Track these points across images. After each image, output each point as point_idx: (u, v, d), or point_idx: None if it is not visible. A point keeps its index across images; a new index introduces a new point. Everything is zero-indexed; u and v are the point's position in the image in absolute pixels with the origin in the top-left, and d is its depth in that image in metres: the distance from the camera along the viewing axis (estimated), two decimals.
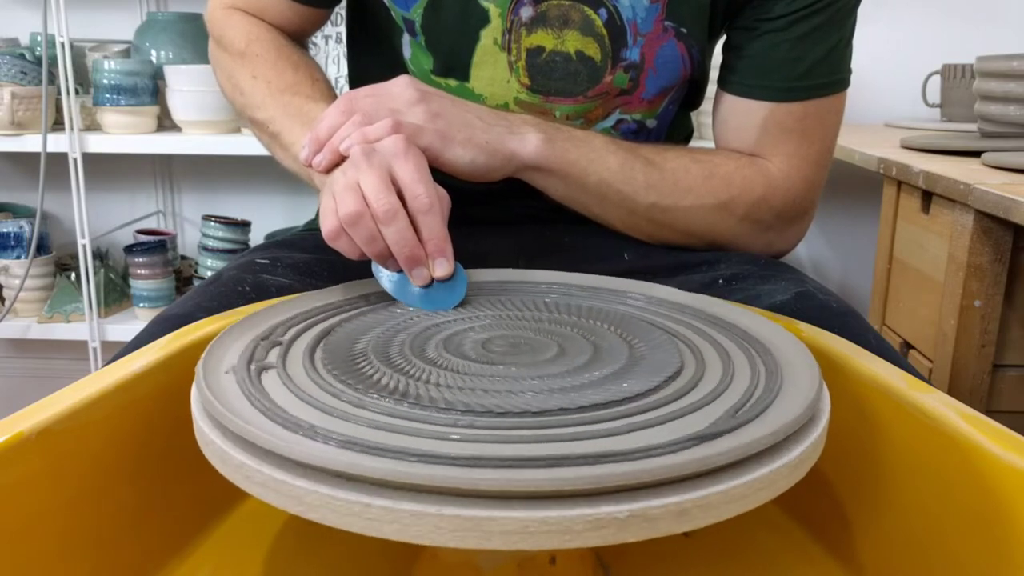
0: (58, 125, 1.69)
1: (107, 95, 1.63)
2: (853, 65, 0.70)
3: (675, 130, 0.78)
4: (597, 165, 0.65)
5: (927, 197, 1.06)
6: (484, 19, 0.68)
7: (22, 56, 1.65)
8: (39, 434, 0.39)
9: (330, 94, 0.71)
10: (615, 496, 0.32)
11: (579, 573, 0.44)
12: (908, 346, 1.13)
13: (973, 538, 0.39)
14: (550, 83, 0.69)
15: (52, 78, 1.66)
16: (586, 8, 0.67)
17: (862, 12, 0.69)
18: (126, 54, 1.78)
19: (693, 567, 0.49)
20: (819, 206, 0.73)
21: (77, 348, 1.84)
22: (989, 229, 0.94)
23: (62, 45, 1.58)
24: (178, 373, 0.46)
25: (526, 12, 0.67)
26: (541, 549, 0.31)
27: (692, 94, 0.77)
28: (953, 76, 1.51)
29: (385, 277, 0.54)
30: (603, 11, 0.67)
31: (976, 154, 1.09)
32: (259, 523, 0.51)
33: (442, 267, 0.52)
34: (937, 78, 1.57)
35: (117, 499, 0.44)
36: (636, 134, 0.74)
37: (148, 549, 0.46)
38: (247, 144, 1.62)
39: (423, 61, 0.72)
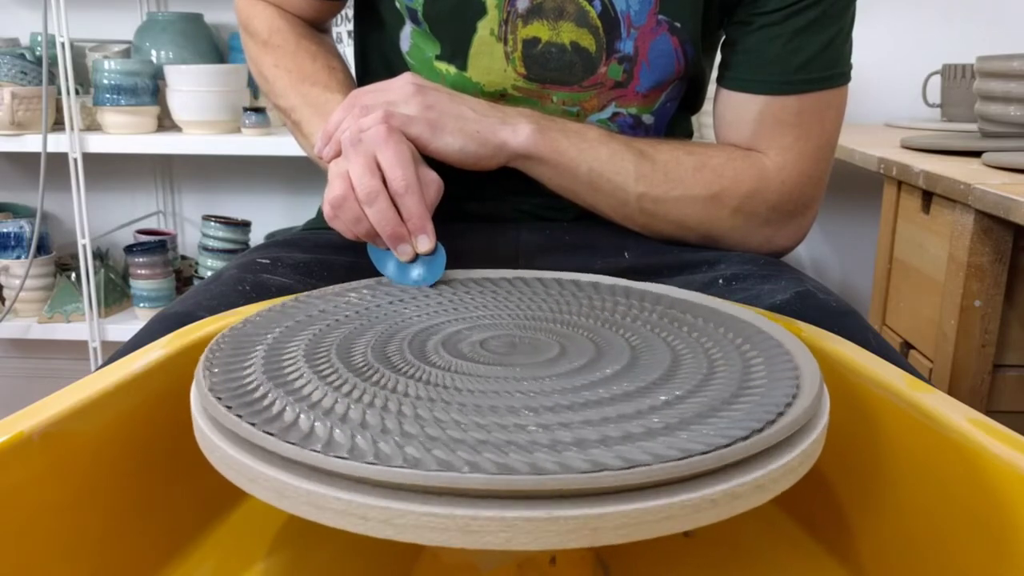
0: (58, 125, 1.70)
1: (107, 95, 1.63)
2: (853, 64, 0.70)
3: (675, 132, 0.78)
4: (588, 155, 0.66)
5: (927, 197, 1.06)
6: (481, 10, 0.68)
7: (22, 56, 1.65)
8: (40, 434, 0.39)
9: (347, 81, 0.75)
10: (615, 497, 0.32)
11: (579, 573, 0.44)
12: (908, 346, 1.13)
13: (972, 538, 0.39)
14: (546, 73, 0.70)
15: (52, 78, 1.66)
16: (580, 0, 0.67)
17: (862, 12, 0.69)
18: (126, 54, 1.78)
19: (693, 567, 0.49)
20: (819, 205, 0.73)
21: (77, 348, 1.84)
22: (989, 229, 0.94)
23: (62, 45, 1.58)
24: (178, 373, 0.46)
25: (522, 3, 0.68)
26: (541, 550, 0.31)
27: (691, 95, 0.77)
28: (953, 76, 1.51)
29: (375, 255, 0.60)
30: (597, 3, 0.67)
31: (976, 154, 1.09)
32: (259, 523, 0.51)
33: (423, 243, 0.57)
34: (937, 78, 1.57)
35: (117, 499, 0.44)
36: (634, 129, 0.74)
37: (148, 549, 0.46)
38: (247, 144, 1.62)
39: (426, 48, 0.73)
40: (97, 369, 0.47)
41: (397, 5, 0.72)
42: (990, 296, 0.96)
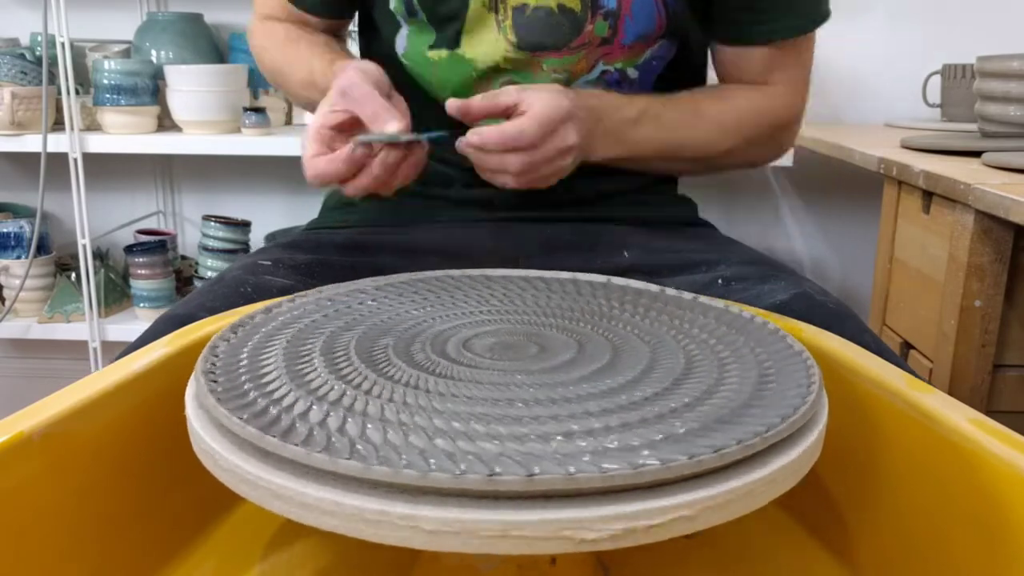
0: (58, 125, 1.69)
1: (107, 95, 1.63)
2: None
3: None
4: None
5: (927, 197, 1.06)
6: None
7: (22, 56, 1.65)
8: (40, 434, 0.39)
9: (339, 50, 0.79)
10: (615, 497, 0.32)
11: (579, 574, 0.44)
12: (908, 346, 1.13)
13: (971, 538, 0.39)
14: (535, 38, 0.72)
15: (52, 78, 1.66)
16: None
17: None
18: (126, 54, 1.78)
19: (693, 567, 0.49)
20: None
21: (77, 348, 1.84)
22: (989, 229, 0.94)
23: (62, 45, 1.58)
24: (178, 373, 0.46)
25: None
26: (542, 552, 0.31)
27: (687, 70, 0.80)
28: (953, 76, 1.51)
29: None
30: None
31: (976, 154, 1.09)
32: (259, 524, 0.51)
33: (392, 125, 0.60)
34: (937, 78, 1.57)
35: (117, 499, 0.44)
36: (619, 85, 0.76)
37: (148, 549, 0.46)
38: (247, 144, 1.62)
39: (420, 42, 0.74)
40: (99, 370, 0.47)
41: (392, 7, 0.73)
42: (990, 296, 0.96)
